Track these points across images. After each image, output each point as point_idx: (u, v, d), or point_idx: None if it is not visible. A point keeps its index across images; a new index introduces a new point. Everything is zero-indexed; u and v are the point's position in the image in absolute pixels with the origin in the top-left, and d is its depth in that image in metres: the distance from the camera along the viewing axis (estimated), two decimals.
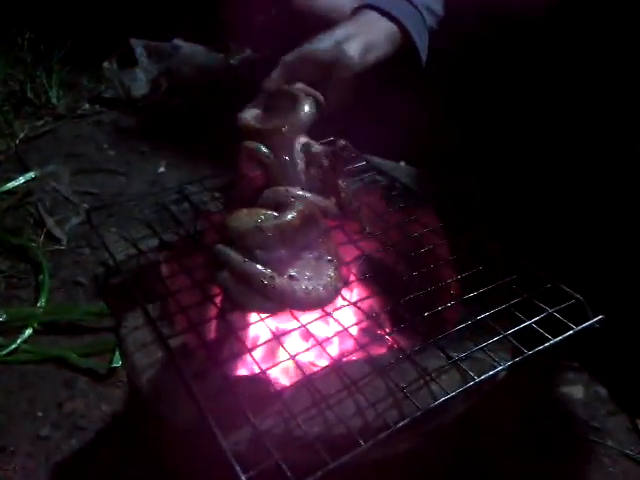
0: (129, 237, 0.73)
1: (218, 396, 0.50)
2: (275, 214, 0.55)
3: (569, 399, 0.95)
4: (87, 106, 1.91)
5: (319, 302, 0.54)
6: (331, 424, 0.52)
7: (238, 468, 0.43)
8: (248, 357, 0.56)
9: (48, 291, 1.16)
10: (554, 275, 0.61)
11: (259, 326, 0.60)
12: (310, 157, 0.62)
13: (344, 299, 0.61)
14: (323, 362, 0.67)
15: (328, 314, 0.59)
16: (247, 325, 0.63)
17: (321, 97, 0.67)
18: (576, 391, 0.96)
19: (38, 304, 1.14)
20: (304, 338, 0.69)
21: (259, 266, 0.51)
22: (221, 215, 0.73)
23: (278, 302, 0.51)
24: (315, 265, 0.55)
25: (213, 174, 0.82)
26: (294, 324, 0.59)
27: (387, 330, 0.64)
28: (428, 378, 0.55)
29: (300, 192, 0.60)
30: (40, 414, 0.95)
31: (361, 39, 0.73)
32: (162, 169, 1.61)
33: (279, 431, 0.51)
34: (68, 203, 1.45)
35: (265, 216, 0.54)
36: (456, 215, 0.74)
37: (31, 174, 1.53)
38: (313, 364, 0.69)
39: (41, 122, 1.81)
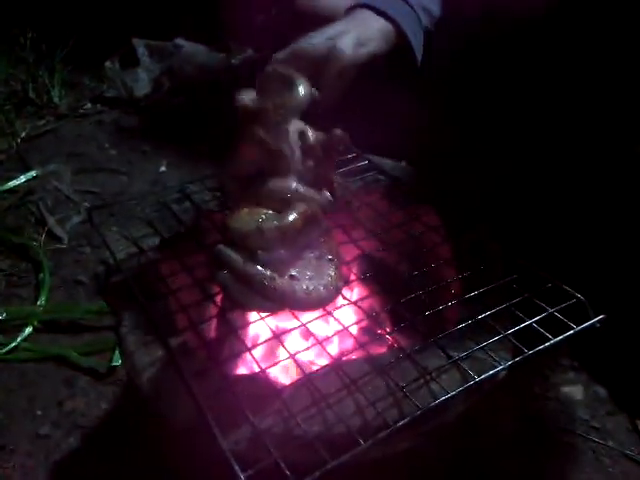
0: (130, 236, 0.73)
1: (218, 395, 0.50)
2: (276, 214, 0.55)
3: (569, 399, 0.95)
4: (89, 105, 1.91)
5: (320, 302, 0.54)
6: (331, 423, 0.52)
7: (237, 467, 0.43)
8: (248, 356, 0.56)
9: (48, 290, 1.16)
10: (555, 275, 0.61)
11: (259, 325, 0.60)
12: (306, 145, 0.62)
13: (344, 298, 0.61)
14: (323, 361, 0.67)
15: (328, 313, 0.59)
16: (247, 324, 0.63)
17: (315, 92, 0.67)
18: (576, 391, 0.96)
19: (38, 302, 1.14)
20: (304, 337, 0.69)
21: (260, 267, 0.50)
22: (222, 214, 0.74)
23: (279, 303, 0.52)
24: (316, 264, 0.55)
25: (214, 173, 0.82)
26: (294, 323, 0.59)
27: (387, 329, 0.64)
28: (428, 377, 0.55)
29: (294, 185, 0.59)
30: (40, 413, 0.95)
31: (354, 35, 0.73)
32: (163, 168, 1.61)
33: (278, 430, 0.51)
34: (69, 202, 1.45)
35: (266, 216, 0.54)
36: (456, 215, 0.74)
37: (32, 173, 1.53)
38: (313, 363, 0.69)
39: (43, 121, 1.81)
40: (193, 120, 1.76)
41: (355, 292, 0.77)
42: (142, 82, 1.92)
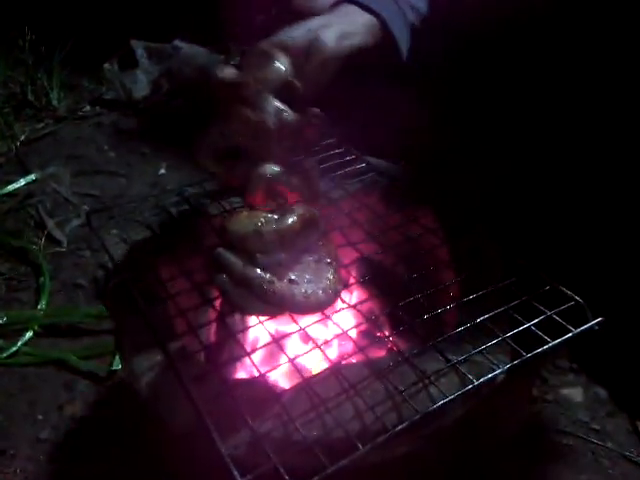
0: (129, 239, 0.73)
1: (217, 399, 0.50)
2: (275, 217, 0.55)
3: (569, 401, 0.95)
4: (88, 108, 1.91)
5: (318, 306, 0.54)
6: (330, 428, 0.52)
7: (236, 472, 0.43)
8: (247, 360, 0.56)
9: (48, 293, 1.16)
10: (553, 277, 0.61)
11: (258, 329, 0.60)
12: (284, 121, 0.61)
13: (343, 302, 0.61)
14: (322, 365, 0.67)
15: (327, 317, 0.59)
16: (246, 328, 0.63)
17: (297, 83, 0.66)
18: (576, 393, 0.96)
19: (38, 306, 1.14)
20: (303, 341, 0.69)
21: (259, 270, 0.51)
22: (221, 218, 0.73)
23: (278, 306, 0.52)
24: (315, 268, 0.55)
25: (213, 176, 0.82)
26: (293, 327, 0.59)
27: (386, 333, 0.64)
28: (427, 381, 0.55)
29: (269, 167, 0.60)
30: (40, 417, 0.95)
31: (337, 28, 0.72)
32: (163, 171, 1.61)
33: (277, 435, 0.51)
34: (68, 205, 1.45)
35: (265, 219, 0.54)
36: (456, 215, 0.74)
37: (32, 176, 1.53)
38: (312, 367, 0.69)
39: (42, 124, 1.81)
40: (192, 122, 1.76)
41: (354, 295, 0.77)
42: (141, 84, 1.92)
